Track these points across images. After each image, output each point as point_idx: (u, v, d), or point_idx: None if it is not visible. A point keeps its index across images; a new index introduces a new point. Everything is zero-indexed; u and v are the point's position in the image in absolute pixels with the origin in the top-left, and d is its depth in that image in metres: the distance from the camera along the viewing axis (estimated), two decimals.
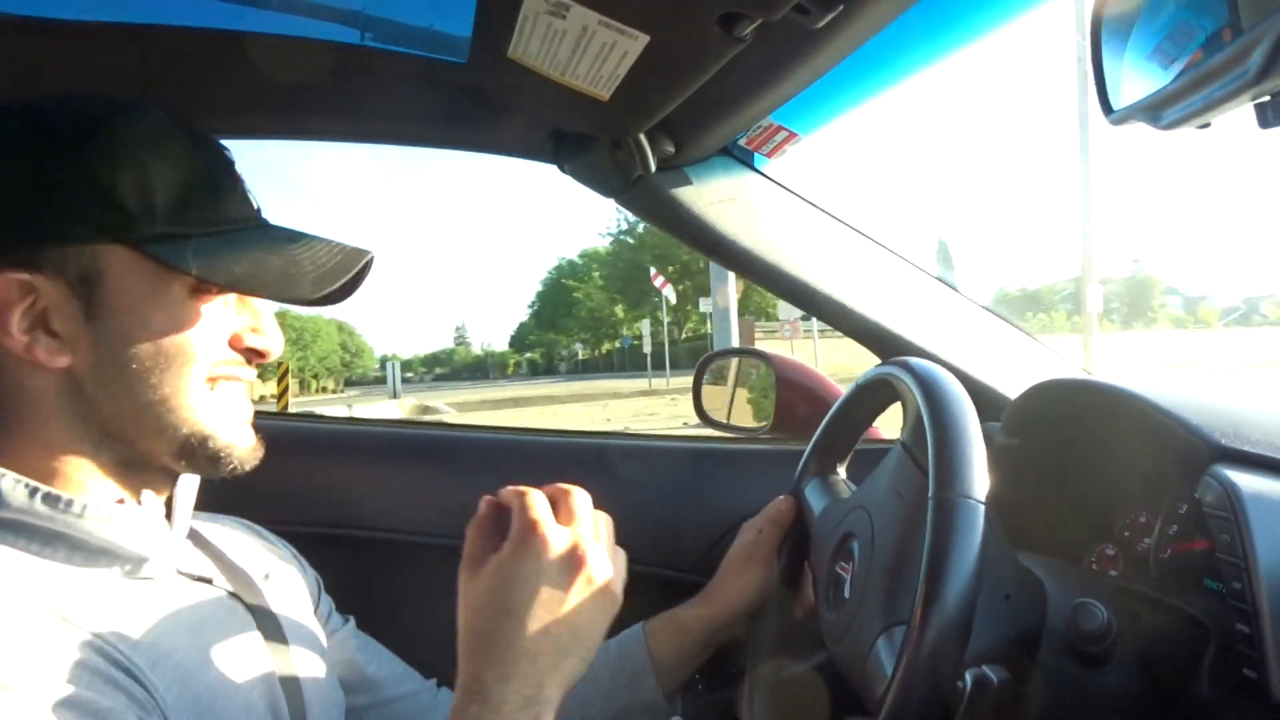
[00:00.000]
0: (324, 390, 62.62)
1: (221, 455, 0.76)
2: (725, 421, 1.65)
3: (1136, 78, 0.62)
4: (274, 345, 0.80)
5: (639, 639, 1.08)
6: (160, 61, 1.06)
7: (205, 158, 0.76)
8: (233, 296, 0.78)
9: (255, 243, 0.76)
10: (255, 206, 0.80)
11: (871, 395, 1.02)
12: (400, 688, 1.06)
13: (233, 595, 0.82)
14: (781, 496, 1.11)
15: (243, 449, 0.78)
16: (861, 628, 0.82)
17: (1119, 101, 0.62)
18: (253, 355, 0.80)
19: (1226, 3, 0.51)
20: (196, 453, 0.75)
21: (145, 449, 0.75)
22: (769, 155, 1.26)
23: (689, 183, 1.26)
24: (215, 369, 0.76)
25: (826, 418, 1.09)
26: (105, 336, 0.71)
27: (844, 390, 1.10)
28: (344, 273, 0.79)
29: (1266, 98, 0.46)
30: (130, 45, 1.02)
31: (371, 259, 0.81)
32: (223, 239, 0.74)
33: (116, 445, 0.74)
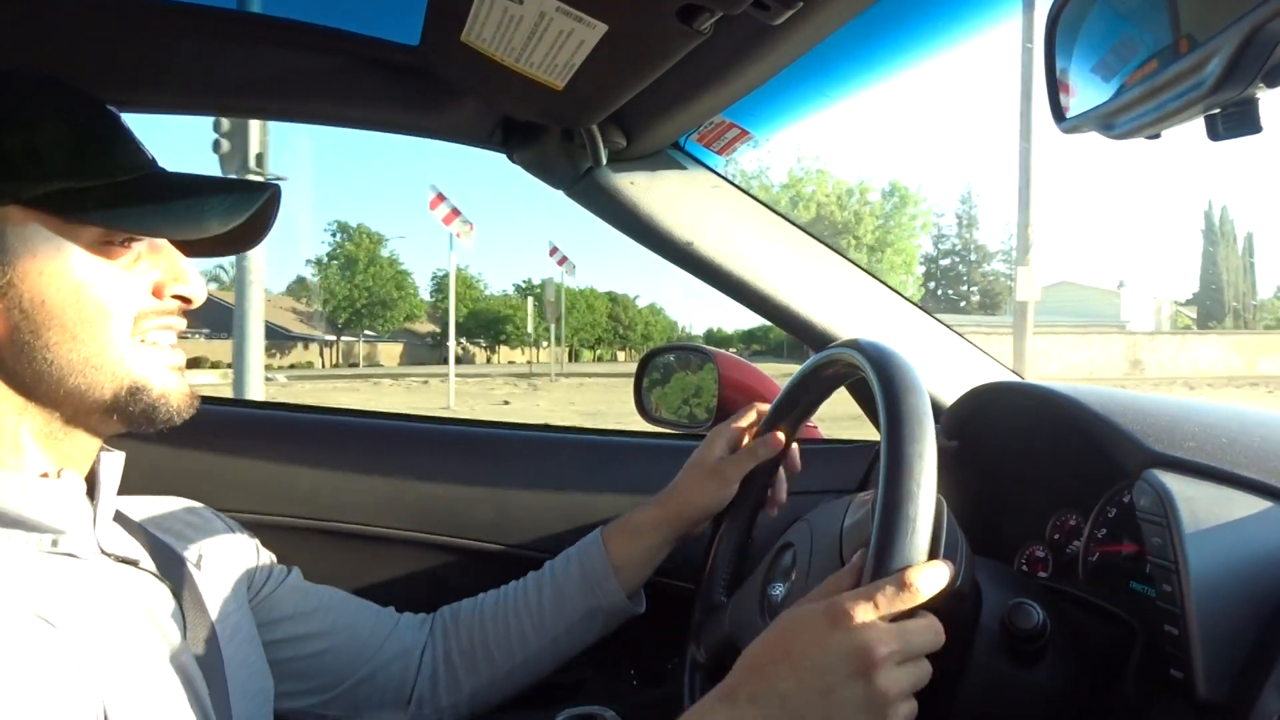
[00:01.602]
0: (600, 359, 60.63)
1: (158, 406, 0.76)
2: (666, 417, 1.65)
3: (1084, 88, 0.63)
4: (197, 290, 0.79)
5: (598, 545, 1.11)
6: (105, 34, 1.02)
7: (89, 113, 0.75)
8: (144, 247, 0.76)
9: (155, 187, 0.76)
10: (148, 156, 0.79)
11: (827, 375, 1.01)
12: (353, 626, 1.06)
13: (159, 579, 0.80)
14: (773, 433, 1.07)
15: (178, 398, 0.78)
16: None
17: (1070, 110, 0.63)
18: (179, 302, 0.79)
19: (1169, 20, 0.52)
20: (129, 407, 0.74)
21: (72, 411, 0.73)
22: (720, 152, 1.27)
23: (639, 177, 1.25)
24: (142, 321, 0.75)
25: (782, 390, 1.08)
26: (18, 301, 0.69)
27: (783, 387, 1.10)
28: (248, 204, 0.78)
29: (1217, 110, 0.47)
30: (73, 14, 0.98)
31: (276, 192, 0.81)
32: (121, 187, 0.73)
33: (39, 413, 0.72)
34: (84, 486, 0.76)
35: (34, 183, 0.69)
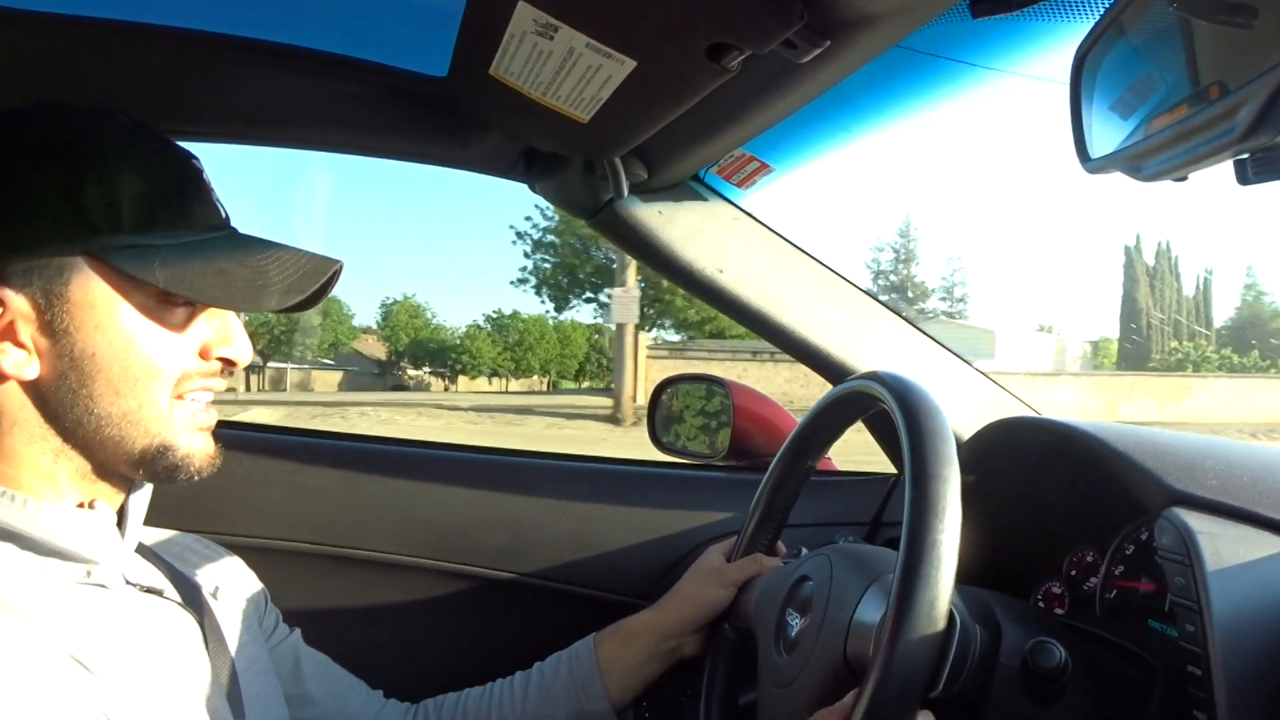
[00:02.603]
0: (590, 390, 60.34)
1: (180, 465, 0.76)
2: (680, 447, 1.65)
3: (1105, 127, 0.64)
4: (243, 354, 0.80)
5: (588, 647, 1.10)
6: (133, 61, 1.03)
7: (173, 167, 0.76)
8: (198, 307, 0.77)
9: (222, 253, 0.76)
10: (224, 215, 0.80)
11: (847, 407, 1.02)
12: (344, 698, 1.05)
13: (182, 608, 0.81)
14: (778, 557, 1.12)
15: (201, 458, 0.78)
16: (810, 678, 0.82)
17: (1095, 150, 0.64)
18: (224, 364, 0.79)
19: (1185, 59, 0.53)
20: (155, 463, 0.75)
21: (103, 459, 0.74)
22: (740, 185, 1.28)
23: (659, 208, 1.26)
24: (185, 381, 0.76)
25: (801, 421, 1.08)
26: (70, 349, 0.70)
27: (798, 420, 1.10)
28: (311, 283, 0.79)
29: (1246, 155, 0.47)
30: (104, 42, 1.00)
31: (340, 268, 0.81)
32: (190, 249, 0.74)
33: (74, 455, 0.73)
34: (115, 518, 0.77)
35: (106, 235, 0.70)
